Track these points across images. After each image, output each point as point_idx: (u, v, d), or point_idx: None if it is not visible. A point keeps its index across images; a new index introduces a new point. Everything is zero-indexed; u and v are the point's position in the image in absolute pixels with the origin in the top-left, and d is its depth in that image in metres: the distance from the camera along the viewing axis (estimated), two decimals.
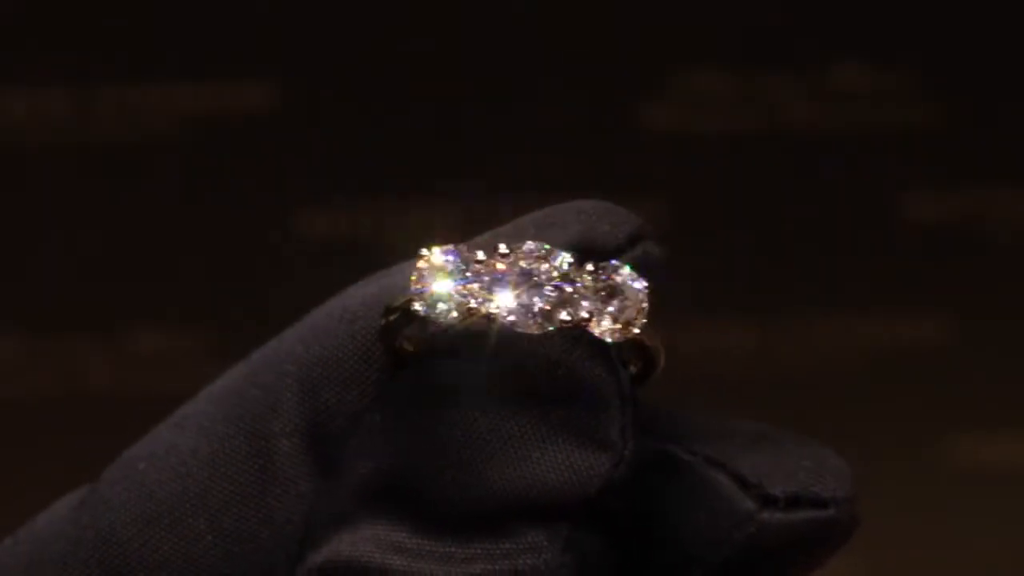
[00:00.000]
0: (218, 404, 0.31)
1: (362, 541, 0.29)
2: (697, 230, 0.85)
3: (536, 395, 0.29)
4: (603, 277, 0.29)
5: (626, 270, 0.29)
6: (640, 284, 0.29)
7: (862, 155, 0.87)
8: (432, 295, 0.29)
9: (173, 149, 0.85)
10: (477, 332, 0.29)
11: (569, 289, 0.29)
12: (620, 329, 0.29)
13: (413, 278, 0.29)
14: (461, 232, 0.30)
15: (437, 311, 0.29)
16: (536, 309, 0.29)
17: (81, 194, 0.86)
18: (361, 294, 0.31)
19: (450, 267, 0.29)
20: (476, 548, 0.28)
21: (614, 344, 0.29)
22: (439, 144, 0.84)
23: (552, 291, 0.29)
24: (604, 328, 0.29)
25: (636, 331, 0.29)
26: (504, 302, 0.29)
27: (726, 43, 0.86)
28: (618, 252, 0.30)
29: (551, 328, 0.29)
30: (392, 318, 0.29)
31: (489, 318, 0.29)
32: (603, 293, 0.29)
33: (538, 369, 0.29)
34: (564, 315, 0.29)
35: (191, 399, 0.32)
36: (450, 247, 0.29)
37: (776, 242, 0.87)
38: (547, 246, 0.29)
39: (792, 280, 0.87)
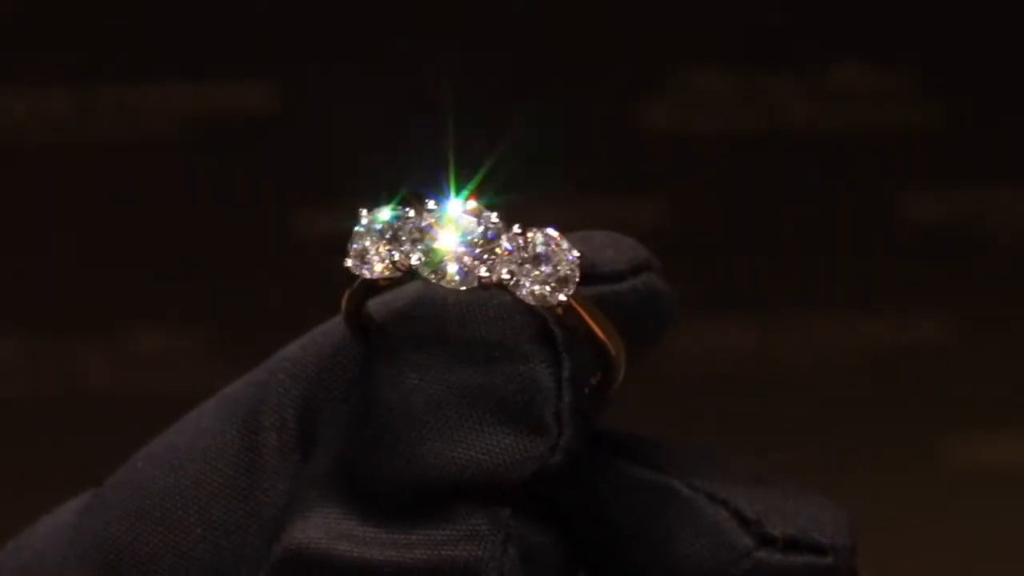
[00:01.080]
0: (217, 404, 0.32)
1: (312, 528, 0.29)
2: (697, 230, 0.85)
3: (474, 378, 0.29)
4: (530, 242, 0.29)
5: (555, 236, 0.29)
6: (573, 254, 0.29)
7: (862, 155, 0.87)
8: (360, 251, 0.29)
9: (173, 149, 0.85)
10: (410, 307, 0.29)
11: (497, 251, 0.29)
12: (545, 295, 0.29)
13: (351, 237, 0.30)
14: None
15: (365, 265, 0.29)
16: (451, 267, 0.29)
17: (81, 194, 0.86)
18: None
19: (380, 224, 0.30)
20: (419, 534, 0.29)
21: (566, 340, 0.29)
22: (439, 144, 0.84)
23: (472, 250, 0.29)
24: (527, 291, 0.29)
25: (561, 298, 0.29)
26: (421, 258, 0.29)
27: (726, 43, 0.86)
28: (619, 278, 0.30)
29: (470, 286, 0.29)
30: (348, 292, 0.30)
31: (409, 271, 0.29)
32: (528, 256, 0.29)
33: (478, 353, 0.29)
34: (483, 272, 0.29)
35: (201, 403, 0.32)
36: (394, 207, 0.30)
37: (776, 242, 0.87)
38: (469, 207, 0.30)
39: (792, 280, 0.87)
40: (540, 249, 0.29)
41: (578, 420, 0.29)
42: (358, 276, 0.30)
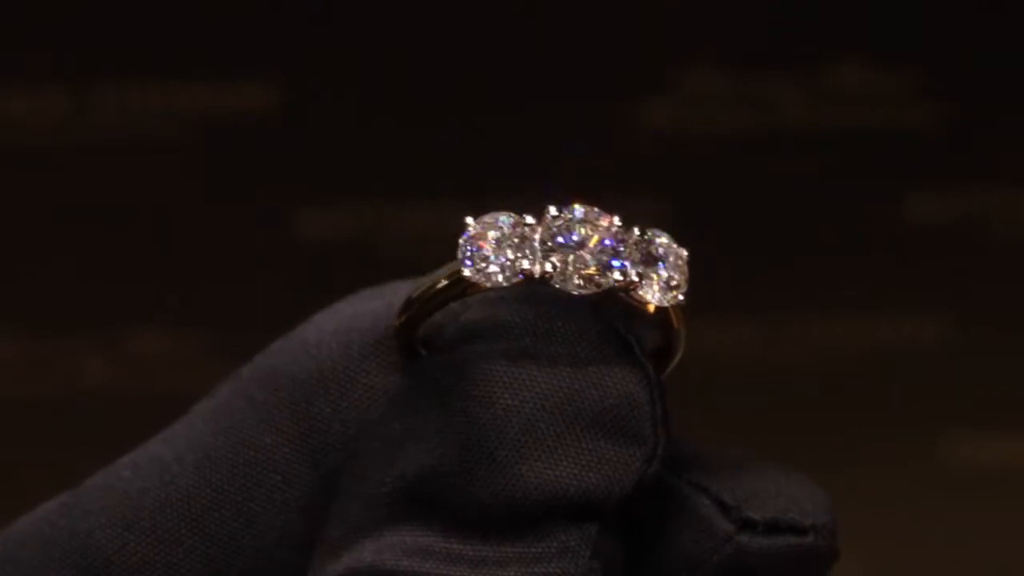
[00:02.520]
0: (206, 418, 0.31)
1: (387, 548, 0.29)
2: (697, 230, 0.85)
3: (568, 394, 0.29)
4: (648, 242, 0.29)
5: (667, 237, 0.29)
6: (683, 251, 0.29)
7: (862, 155, 0.87)
8: (481, 256, 0.29)
9: (173, 149, 0.85)
10: (502, 320, 0.29)
11: (623, 250, 0.29)
12: (668, 293, 0.29)
13: (461, 242, 0.29)
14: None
15: (488, 271, 0.29)
16: (584, 272, 0.29)
17: (81, 194, 0.86)
18: (351, 310, 0.31)
19: (497, 231, 0.29)
20: (508, 550, 0.28)
21: (641, 347, 0.29)
22: (439, 144, 0.84)
23: (598, 254, 0.29)
24: (654, 292, 0.29)
25: (681, 297, 0.29)
26: (552, 264, 0.29)
27: (726, 43, 0.86)
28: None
29: (600, 289, 0.29)
30: (435, 292, 0.29)
31: (541, 278, 0.29)
32: (649, 257, 0.29)
33: (566, 368, 0.29)
34: (617, 276, 0.29)
35: (180, 418, 0.32)
36: (500, 214, 0.29)
37: (776, 242, 0.87)
38: (595, 211, 0.29)
39: (792, 280, 0.87)
40: (660, 250, 0.29)
41: (668, 427, 0.29)
42: (469, 282, 0.29)
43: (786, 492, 0.30)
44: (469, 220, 0.29)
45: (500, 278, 0.29)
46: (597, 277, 0.29)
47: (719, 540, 0.29)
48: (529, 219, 0.29)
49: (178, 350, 0.85)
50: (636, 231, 0.29)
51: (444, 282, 0.29)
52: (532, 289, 0.29)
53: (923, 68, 0.86)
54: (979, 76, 0.87)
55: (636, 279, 0.29)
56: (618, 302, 0.29)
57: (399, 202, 0.85)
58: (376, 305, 0.31)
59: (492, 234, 0.29)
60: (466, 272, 0.29)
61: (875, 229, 0.87)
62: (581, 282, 0.29)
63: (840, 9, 0.86)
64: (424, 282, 0.30)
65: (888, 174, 0.87)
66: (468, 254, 0.29)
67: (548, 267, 0.29)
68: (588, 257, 0.29)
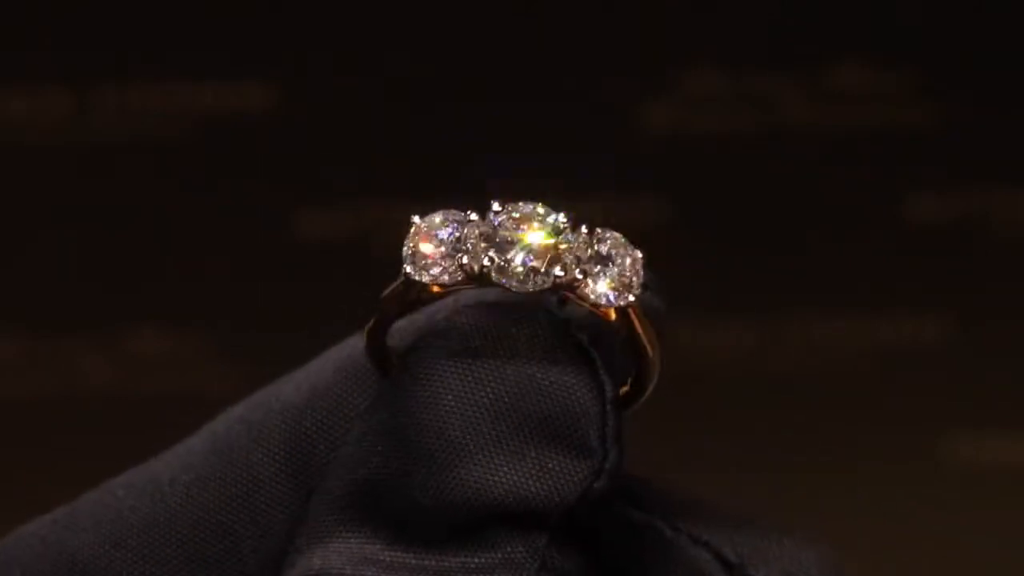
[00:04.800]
0: (205, 440, 0.31)
1: (333, 554, 0.28)
2: (697, 230, 0.85)
3: (514, 400, 0.28)
4: (598, 241, 0.29)
5: (620, 237, 0.29)
6: (637, 252, 0.29)
7: (862, 155, 0.87)
8: (420, 255, 0.29)
9: (173, 149, 0.85)
10: (458, 326, 0.29)
11: (563, 247, 0.28)
12: (621, 294, 0.28)
13: (405, 243, 0.29)
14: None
15: (431, 271, 0.28)
16: (527, 267, 0.28)
17: (81, 194, 0.86)
18: (351, 343, 0.31)
19: (440, 229, 0.29)
20: (451, 560, 0.28)
21: (605, 361, 0.28)
22: (439, 144, 0.84)
23: (542, 251, 0.28)
24: (603, 292, 0.28)
25: (631, 297, 0.28)
26: (490, 259, 0.28)
27: (726, 43, 0.86)
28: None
29: (543, 286, 0.28)
30: (389, 294, 0.29)
31: (481, 274, 0.28)
32: (597, 256, 0.29)
33: (516, 375, 0.28)
34: (557, 271, 0.28)
35: (185, 439, 0.32)
36: (445, 212, 0.29)
37: (776, 242, 0.87)
38: (540, 208, 0.29)
39: (792, 280, 0.87)
40: (607, 250, 0.29)
41: (621, 444, 0.28)
42: (411, 284, 0.28)
43: (790, 552, 0.30)
44: (415, 219, 0.29)
45: (443, 276, 0.28)
46: (537, 274, 0.28)
47: None
48: (473, 216, 0.29)
49: (178, 350, 0.85)
50: (584, 229, 0.29)
51: (396, 283, 0.29)
52: (502, 296, 0.29)
53: (923, 68, 0.86)
54: (979, 76, 0.87)
55: (579, 276, 0.28)
56: (583, 312, 0.29)
57: (399, 202, 0.85)
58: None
59: (436, 233, 0.29)
60: (407, 270, 0.28)
61: (875, 229, 0.87)
62: (521, 278, 0.28)
63: (840, 9, 0.86)
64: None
65: (888, 174, 0.87)
66: (410, 254, 0.29)
67: (485, 261, 0.28)
68: (524, 255, 0.28)
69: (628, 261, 0.29)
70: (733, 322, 0.87)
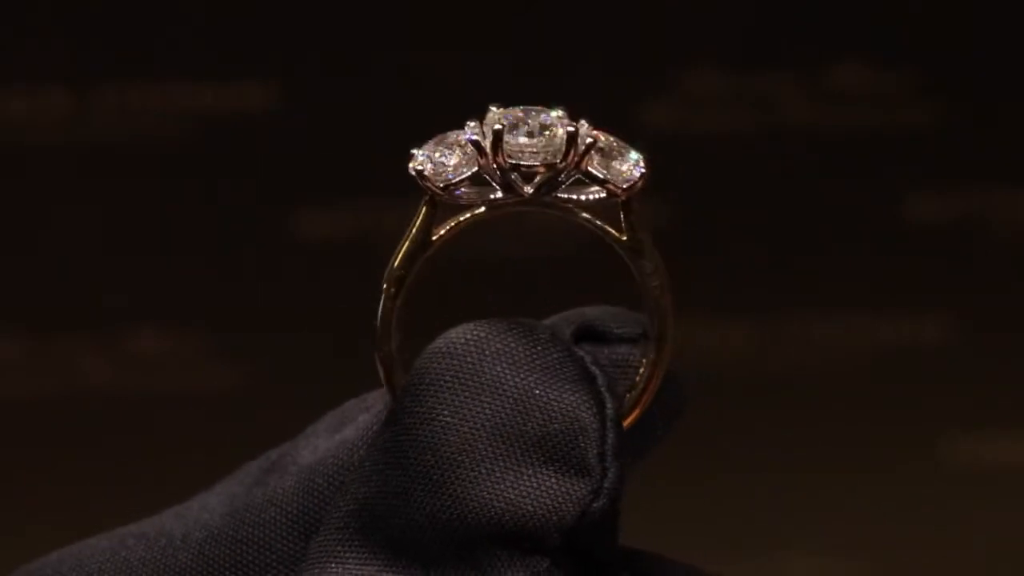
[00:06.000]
0: (222, 498, 0.31)
1: (331, 575, 0.28)
2: (697, 230, 0.85)
3: (512, 417, 0.28)
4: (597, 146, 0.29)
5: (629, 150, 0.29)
6: (642, 165, 0.29)
7: (862, 155, 0.87)
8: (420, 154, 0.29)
9: (173, 149, 0.85)
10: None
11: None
12: (636, 170, 0.29)
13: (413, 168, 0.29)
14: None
15: (432, 160, 0.29)
16: (548, 121, 0.29)
17: (81, 193, 0.86)
18: (372, 396, 0.31)
19: (438, 150, 0.29)
20: None
21: (608, 380, 0.28)
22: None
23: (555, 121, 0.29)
24: (617, 170, 0.29)
25: (643, 170, 0.29)
26: (501, 119, 0.29)
27: (726, 43, 0.86)
28: (630, 341, 0.29)
29: (552, 148, 0.28)
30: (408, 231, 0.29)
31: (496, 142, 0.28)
32: (603, 149, 0.29)
33: (515, 391, 0.28)
34: (568, 128, 0.29)
35: (199, 493, 0.32)
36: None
37: (776, 242, 0.87)
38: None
39: (792, 280, 0.87)
40: (617, 148, 0.29)
41: (622, 463, 0.28)
42: (429, 185, 0.29)
43: None
44: (414, 151, 0.29)
45: (461, 176, 0.29)
46: (547, 129, 0.28)
47: None
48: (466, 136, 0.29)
49: (178, 350, 0.85)
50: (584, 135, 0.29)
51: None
52: (503, 319, 0.29)
53: (923, 68, 0.86)
54: (979, 76, 0.87)
55: (590, 139, 0.29)
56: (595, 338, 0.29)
57: (399, 202, 0.85)
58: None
59: (437, 152, 0.29)
60: (418, 160, 0.29)
61: (875, 229, 0.87)
62: (530, 137, 0.28)
63: (840, 9, 0.86)
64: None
65: (888, 174, 0.87)
66: (419, 158, 0.29)
67: (496, 125, 0.28)
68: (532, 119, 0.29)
69: (628, 163, 0.29)
70: (733, 322, 0.87)
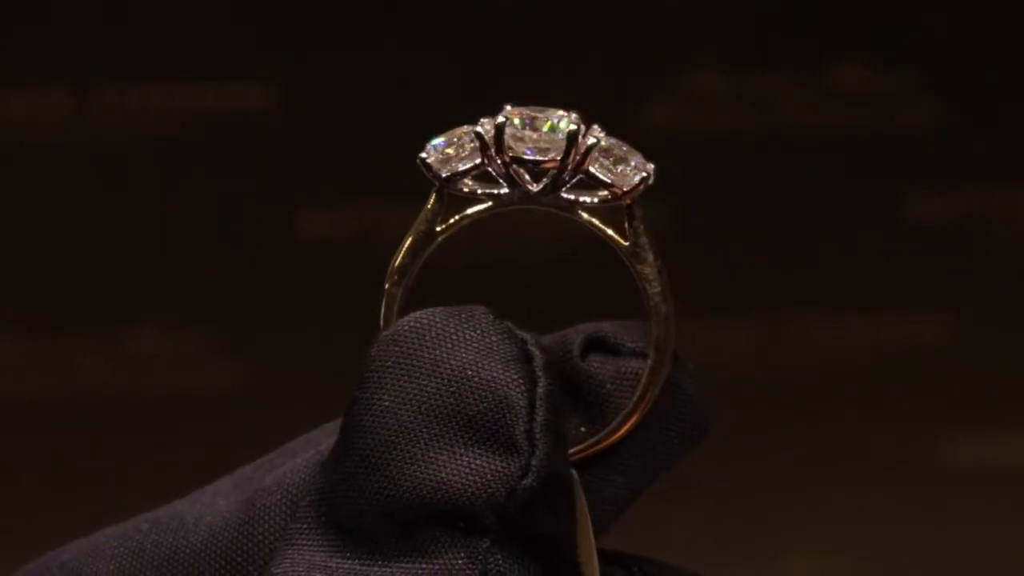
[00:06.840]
0: (237, 483, 0.31)
1: (287, 561, 0.29)
2: (697, 230, 0.85)
3: (446, 398, 0.28)
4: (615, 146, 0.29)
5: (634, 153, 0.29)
6: (646, 170, 0.29)
7: (862, 155, 0.87)
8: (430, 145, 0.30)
9: (173, 149, 0.85)
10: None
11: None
12: (640, 173, 0.29)
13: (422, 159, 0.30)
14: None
15: (439, 149, 0.29)
16: (558, 121, 0.29)
17: (81, 194, 0.86)
18: None
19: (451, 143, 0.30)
20: (394, 567, 0.28)
21: (546, 363, 0.29)
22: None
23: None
24: (623, 170, 0.29)
25: (651, 169, 0.29)
26: (504, 116, 0.29)
27: (726, 43, 0.86)
28: (642, 355, 0.30)
29: (558, 141, 0.29)
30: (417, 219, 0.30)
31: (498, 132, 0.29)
32: (607, 152, 0.29)
33: (451, 374, 0.28)
34: (573, 123, 0.29)
35: (215, 480, 0.32)
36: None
37: (776, 242, 0.87)
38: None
39: (792, 280, 0.87)
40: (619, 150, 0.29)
41: (553, 440, 0.28)
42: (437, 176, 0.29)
43: None
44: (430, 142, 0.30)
45: (468, 167, 0.29)
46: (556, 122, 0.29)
47: None
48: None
49: (178, 350, 0.85)
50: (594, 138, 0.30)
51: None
52: (451, 307, 0.29)
53: (923, 68, 0.86)
54: (979, 76, 0.87)
55: (592, 140, 0.29)
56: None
57: (399, 202, 0.85)
58: None
59: (444, 145, 0.30)
60: (429, 149, 0.30)
61: (875, 229, 0.87)
62: (532, 133, 0.29)
63: (840, 9, 0.86)
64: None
65: (888, 174, 0.87)
66: (428, 148, 0.30)
67: (500, 119, 0.29)
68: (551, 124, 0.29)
69: (634, 159, 0.29)
70: (733, 322, 0.87)
